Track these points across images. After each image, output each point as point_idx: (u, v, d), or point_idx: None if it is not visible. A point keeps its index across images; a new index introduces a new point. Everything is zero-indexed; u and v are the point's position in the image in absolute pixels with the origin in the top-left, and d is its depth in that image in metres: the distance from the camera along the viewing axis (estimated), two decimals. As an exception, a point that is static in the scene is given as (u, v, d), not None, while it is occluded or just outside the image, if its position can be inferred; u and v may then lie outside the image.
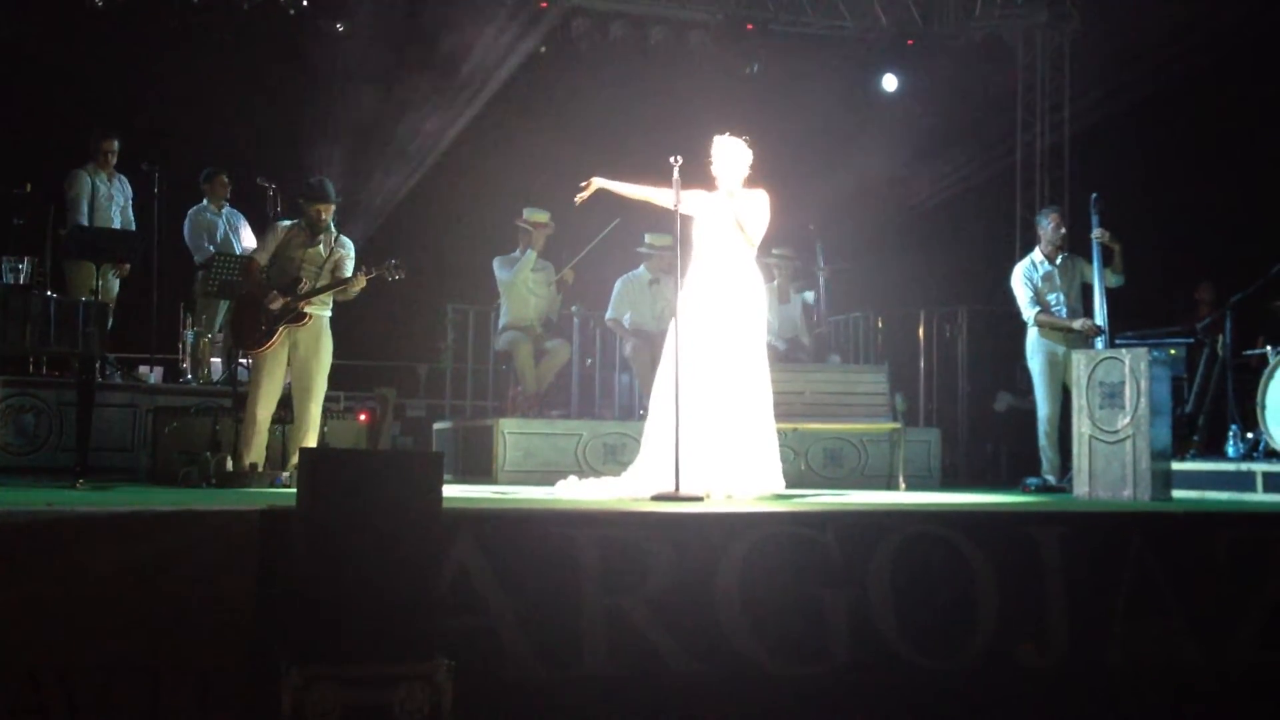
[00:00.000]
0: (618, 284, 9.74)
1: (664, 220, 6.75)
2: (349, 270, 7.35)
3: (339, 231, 7.46)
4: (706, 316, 6.40)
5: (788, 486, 6.56)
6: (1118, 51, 12.28)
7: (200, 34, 11.54)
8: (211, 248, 9.67)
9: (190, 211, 9.87)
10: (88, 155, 9.27)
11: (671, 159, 6.17)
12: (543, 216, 9.56)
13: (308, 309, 7.19)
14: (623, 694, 4.25)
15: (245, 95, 11.48)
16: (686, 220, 6.47)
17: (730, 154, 6.51)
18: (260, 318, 7.14)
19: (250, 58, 11.66)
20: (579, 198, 6.71)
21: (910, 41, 13.43)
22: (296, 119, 12.08)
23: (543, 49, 12.86)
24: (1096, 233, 8.21)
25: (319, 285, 7.22)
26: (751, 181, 6.59)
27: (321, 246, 7.29)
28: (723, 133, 6.58)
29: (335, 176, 11.96)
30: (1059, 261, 8.55)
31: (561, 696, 4.19)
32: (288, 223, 7.46)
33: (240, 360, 8.17)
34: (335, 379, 7.75)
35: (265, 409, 7.16)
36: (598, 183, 6.68)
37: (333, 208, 7.36)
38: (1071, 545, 4.78)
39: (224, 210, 9.89)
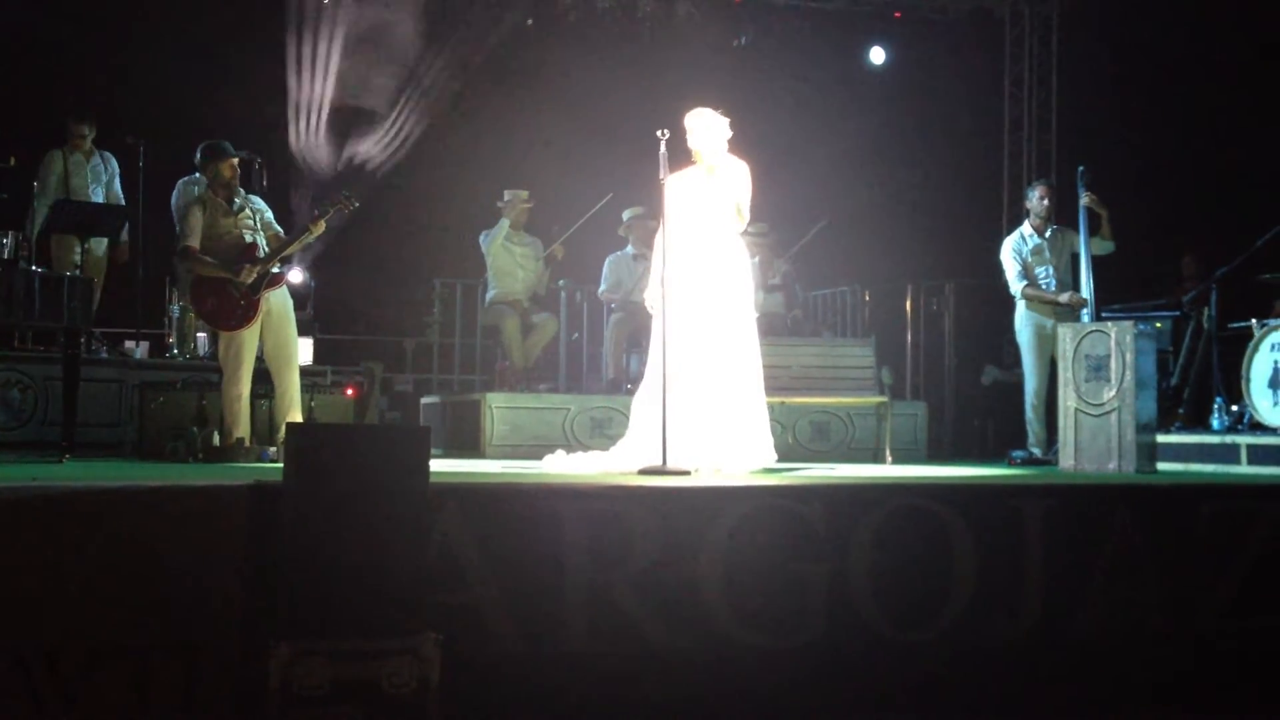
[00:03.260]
0: (607, 262, 9.82)
1: (641, 197, 6.75)
2: (275, 223, 7.36)
3: (244, 190, 7.44)
4: (693, 292, 6.39)
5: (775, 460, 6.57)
6: (1105, 25, 12.27)
7: (188, 6, 11.47)
8: None
9: (180, 182, 9.82)
10: (65, 136, 9.22)
11: (658, 133, 6.15)
12: (522, 195, 9.58)
13: (277, 269, 7.19)
14: (605, 669, 4.26)
15: (231, 69, 11.42)
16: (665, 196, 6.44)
17: (708, 127, 6.48)
18: (234, 295, 7.06)
19: (237, 31, 11.60)
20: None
21: (898, 15, 13.41)
22: (282, 93, 12.05)
23: (530, 22, 12.82)
24: (1084, 199, 8.22)
25: (278, 245, 7.17)
26: (731, 154, 6.56)
27: (247, 210, 7.26)
28: (705, 106, 6.54)
29: (321, 150, 12.00)
30: (1048, 234, 8.56)
31: (545, 671, 4.21)
32: (196, 199, 7.41)
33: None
34: (322, 354, 7.75)
35: (247, 384, 7.13)
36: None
37: (237, 161, 7.33)
38: (1057, 518, 4.81)
39: None
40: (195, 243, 7.16)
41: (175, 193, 9.76)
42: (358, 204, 7.30)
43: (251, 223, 7.23)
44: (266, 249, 7.18)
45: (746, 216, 6.56)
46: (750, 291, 6.66)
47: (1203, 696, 4.75)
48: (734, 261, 6.53)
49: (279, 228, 7.39)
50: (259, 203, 7.44)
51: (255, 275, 7.06)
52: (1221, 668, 4.84)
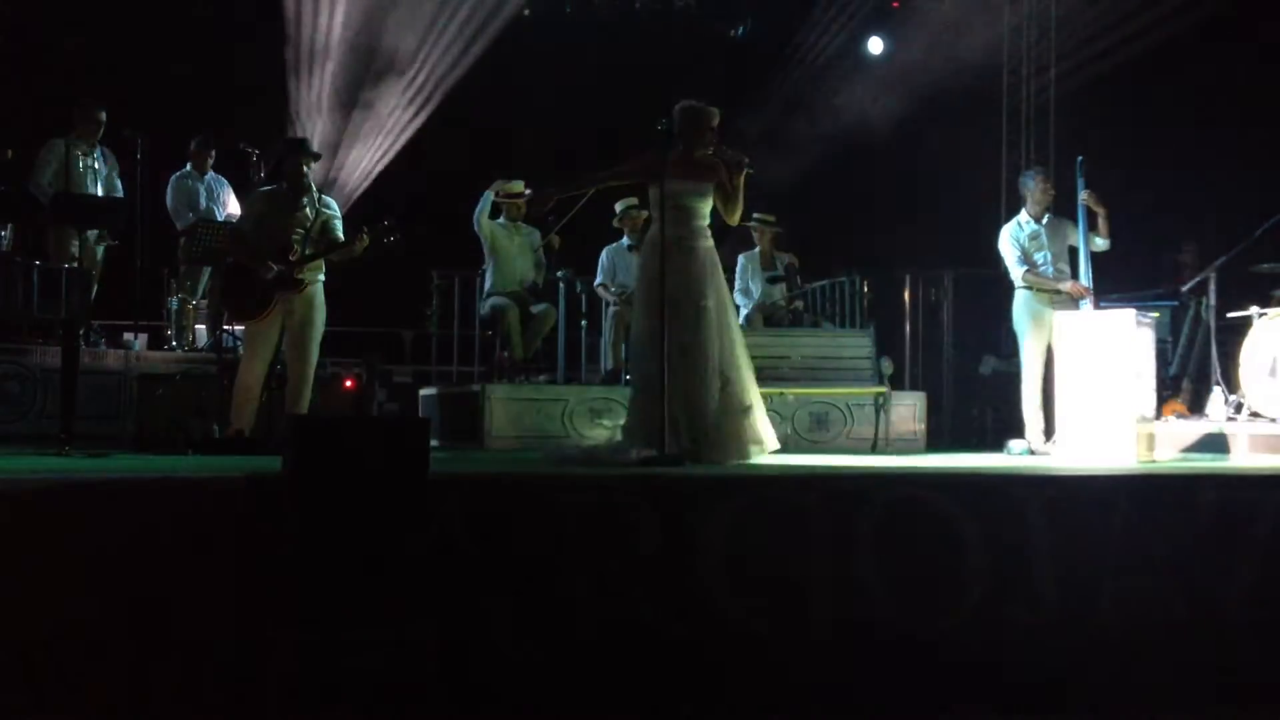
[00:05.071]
0: (603, 253, 9.86)
1: (636, 188, 6.75)
2: (339, 231, 7.31)
3: (321, 193, 7.41)
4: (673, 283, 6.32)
5: (773, 450, 6.56)
6: (1103, 14, 12.26)
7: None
8: (192, 215, 9.64)
9: (173, 178, 9.82)
10: (70, 124, 9.19)
11: (659, 125, 6.15)
12: (517, 187, 9.54)
13: (302, 275, 7.13)
14: (607, 659, 4.27)
15: (228, 60, 11.42)
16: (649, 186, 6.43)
17: (697, 121, 6.44)
18: (254, 287, 7.08)
19: (234, 21, 11.60)
20: (533, 211, 6.69)
21: (896, 4, 13.40)
22: (280, 84, 12.04)
23: (526, 11, 12.81)
24: (1083, 195, 8.20)
25: (315, 250, 7.16)
26: (723, 147, 6.51)
27: (307, 209, 7.22)
28: (699, 97, 6.52)
29: (319, 142, 12.00)
30: (1045, 221, 8.54)
31: (546, 662, 4.21)
32: (267, 189, 7.43)
33: (225, 328, 8.15)
34: (321, 346, 7.72)
35: (256, 377, 7.14)
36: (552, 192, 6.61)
37: (312, 161, 7.32)
38: (1056, 507, 4.80)
39: (207, 177, 9.85)
40: (246, 224, 7.31)
41: (169, 188, 9.77)
42: (398, 237, 7.23)
43: (308, 225, 7.19)
44: (303, 255, 7.16)
45: (737, 215, 6.53)
46: (720, 282, 6.59)
47: (1222, 687, 4.75)
48: (711, 254, 6.49)
49: (339, 235, 7.34)
50: (331, 207, 7.40)
51: (275, 274, 7.04)
52: (1236, 656, 4.84)
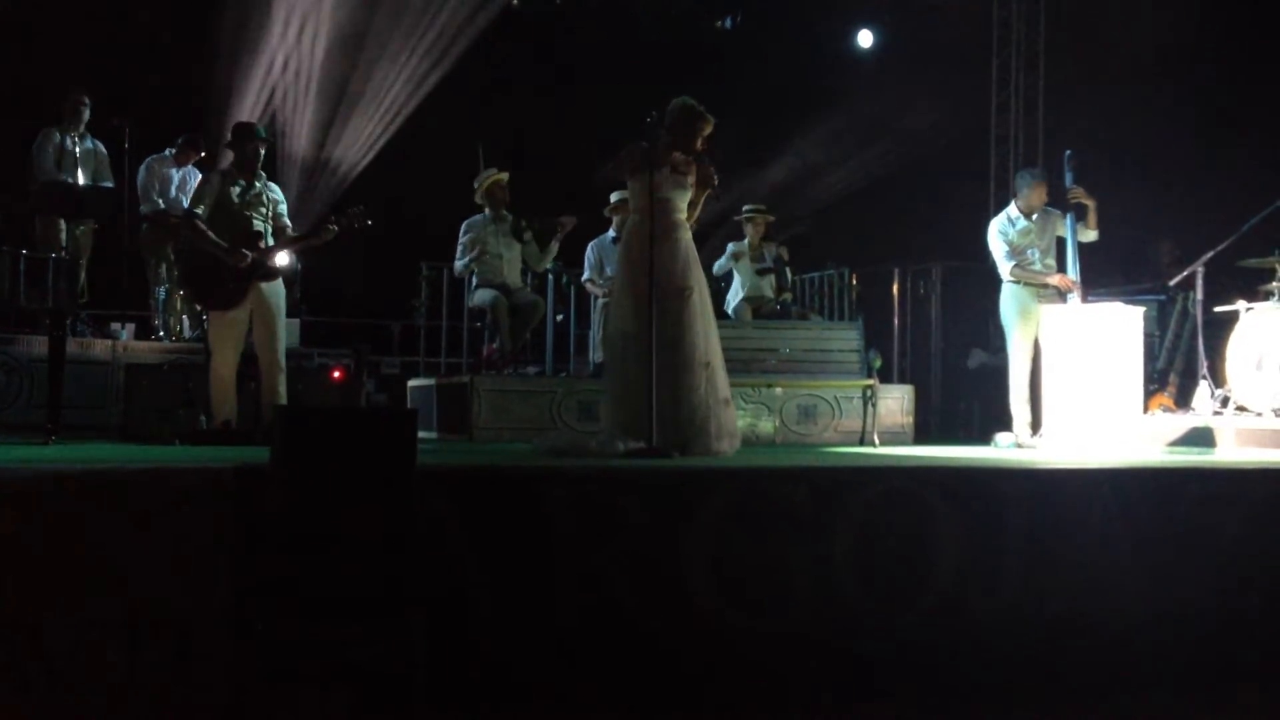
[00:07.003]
0: (589, 248, 9.86)
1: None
2: (286, 218, 7.31)
3: (267, 179, 7.40)
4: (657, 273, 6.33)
5: (762, 443, 6.57)
6: (1093, 9, 12.29)
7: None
8: (160, 201, 9.60)
9: (149, 158, 9.77)
10: (60, 115, 9.16)
11: (648, 119, 6.15)
12: (490, 173, 9.50)
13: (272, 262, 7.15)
14: (592, 651, 4.28)
15: (216, 53, 11.39)
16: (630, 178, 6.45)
17: (692, 123, 6.44)
18: (225, 275, 7.04)
19: (221, 14, 11.57)
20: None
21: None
22: (268, 76, 12.01)
23: (515, 1, 12.80)
24: (1071, 190, 8.20)
25: (288, 239, 7.15)
26: (704, 152, 6.52)
27: (262, 194, 7.22)
28: (690, 93, 6.52)
29: (308, 133, 11.99)
30: (1035, 217, 8.54)
31: (532, 653, 4.22)
32: (221, 174, 7.37)
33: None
34: (309, 337, 7.73)
35: (230, 366, 7.11)
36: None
37: (263, 146, 7.29)
38: (1040, 499, 4.82)
39: (184, 169, 9.83)
40: (202, 211, 7.15)
41: (142, 168, 9.74)
42: (371, 222, 7.24)
43: (264, 210, 7.19)
44: (272, 241, 7.14)
45: (693, 217, 6.57)
46: (700, 272, 6.60)
47: (1190, 678, 4.78)
48: (684, 243, 6.51)
49: (289, 222, 7.33)
50: (276, 192, 7.39)
51: (249, 262, 7.02)
52: (1207, 649, 4.86)
